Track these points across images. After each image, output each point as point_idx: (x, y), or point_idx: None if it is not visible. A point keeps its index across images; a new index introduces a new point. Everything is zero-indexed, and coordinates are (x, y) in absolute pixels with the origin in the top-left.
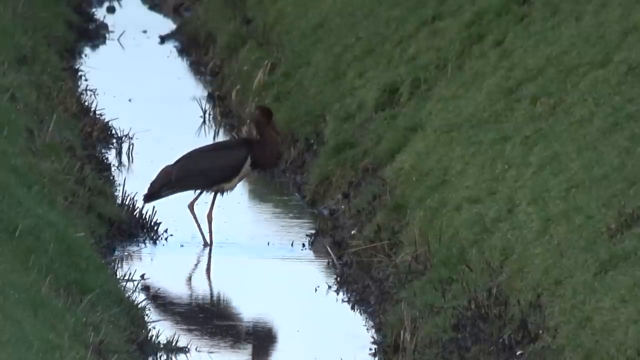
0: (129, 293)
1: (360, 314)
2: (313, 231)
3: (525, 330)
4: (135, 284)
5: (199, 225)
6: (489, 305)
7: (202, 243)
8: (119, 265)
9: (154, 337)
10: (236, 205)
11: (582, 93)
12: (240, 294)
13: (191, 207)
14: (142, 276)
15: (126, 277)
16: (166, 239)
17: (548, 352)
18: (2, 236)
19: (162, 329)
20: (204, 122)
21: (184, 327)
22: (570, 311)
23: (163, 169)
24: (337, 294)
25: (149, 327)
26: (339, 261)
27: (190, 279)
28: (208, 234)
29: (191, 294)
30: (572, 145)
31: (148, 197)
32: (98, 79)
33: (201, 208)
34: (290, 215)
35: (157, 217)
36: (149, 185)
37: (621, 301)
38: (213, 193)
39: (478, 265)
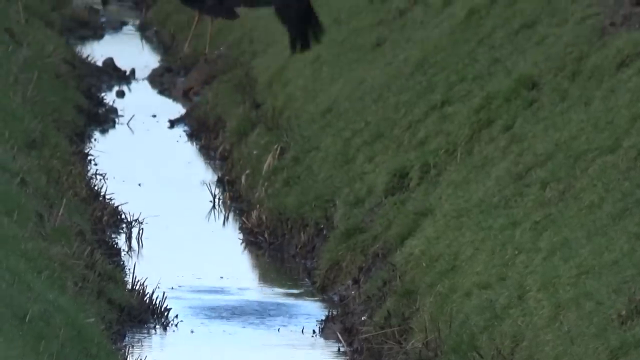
0: None
1: None
2: (323, 317)
3: None
4: None
5: None
6: None
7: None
8: (130, 351)
9: None
10: (245, 291)
11: (591, 178)
12: None
13: None
14: None
15: None
16: (176, 324)
17: None
18: (12, 322)
19: None
20: (214, 206)
21: None
22: None
23: None
24: None
25: None
26: (350, 348)
27: None
28: None
29: None
30: (581, 231)
31: None
32: (107, 163)
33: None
34: (301, 300)
35: (167, 303)
36: None
37: None
38: None
39: (489, 352)
